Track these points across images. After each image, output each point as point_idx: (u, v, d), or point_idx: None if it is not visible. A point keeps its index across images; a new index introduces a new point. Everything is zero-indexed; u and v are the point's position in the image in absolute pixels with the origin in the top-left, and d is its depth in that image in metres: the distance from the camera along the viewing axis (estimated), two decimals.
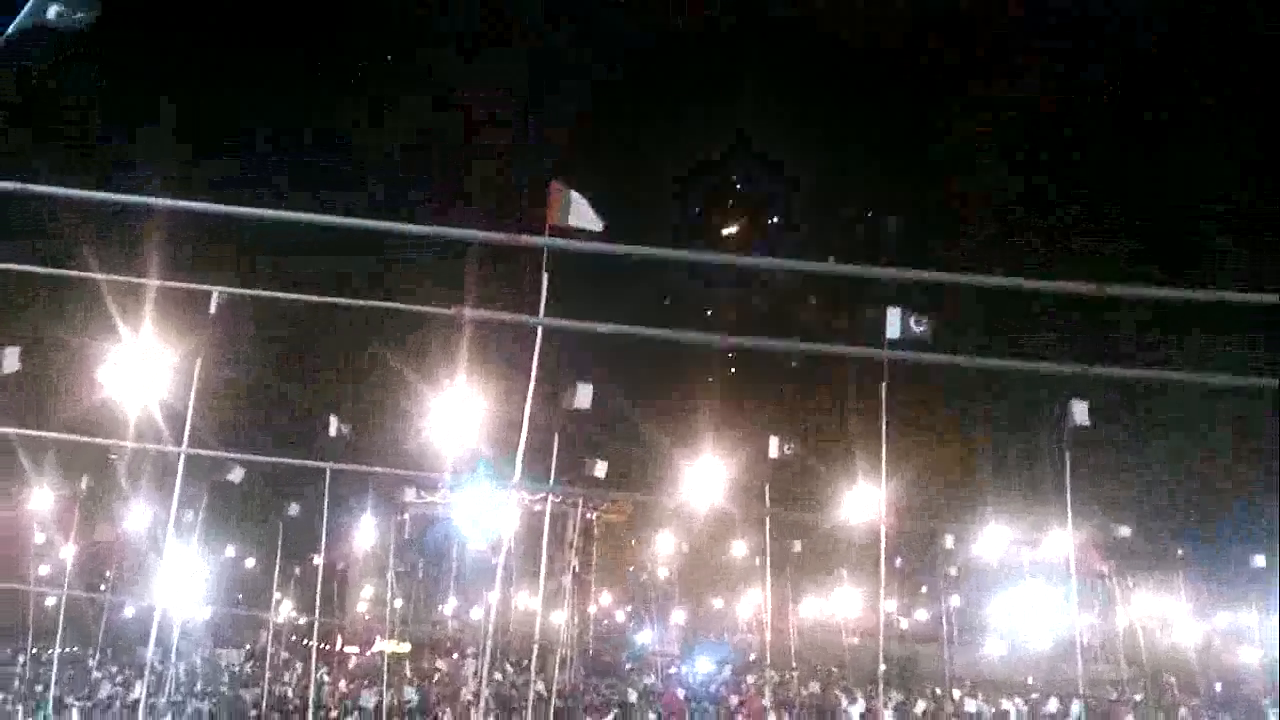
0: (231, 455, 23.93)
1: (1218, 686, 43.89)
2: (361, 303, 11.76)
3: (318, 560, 44.11)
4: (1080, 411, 26.02)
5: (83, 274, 10.88)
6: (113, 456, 36.18)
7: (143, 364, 16.20)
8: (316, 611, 47.66)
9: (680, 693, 37.98)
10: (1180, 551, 48.10)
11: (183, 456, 16.86)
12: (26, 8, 8.45)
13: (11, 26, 8.38)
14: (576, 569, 57.81)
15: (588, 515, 62.46)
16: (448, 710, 33.84)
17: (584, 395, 23.36)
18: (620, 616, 73.48)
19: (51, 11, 8.47)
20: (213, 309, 19.43)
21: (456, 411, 18.04)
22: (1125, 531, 42.48)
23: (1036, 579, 45.20)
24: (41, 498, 38.73)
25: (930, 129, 66.39)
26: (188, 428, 16.97)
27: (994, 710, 32.67)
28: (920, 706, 30.48)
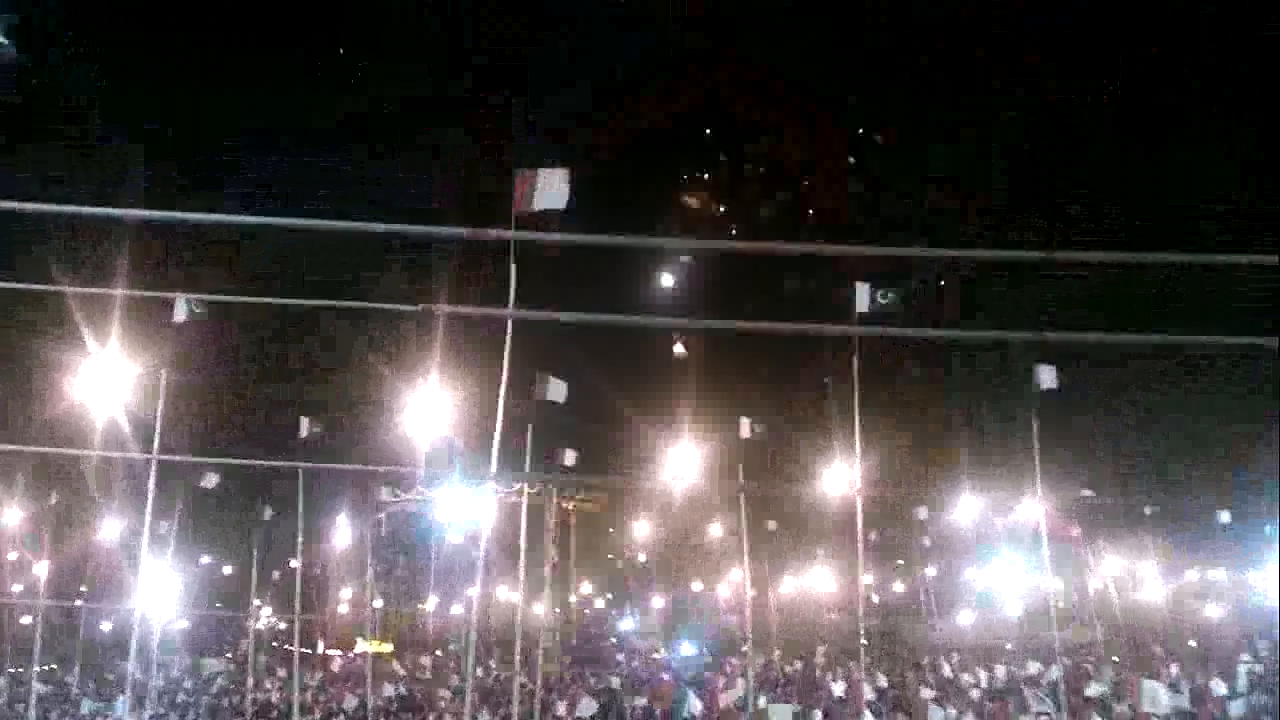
0: (202, 459, 23.85)
1: (1192, 643, 44.68)
2: (330, 303, 11.79)
3: (295, 564, 44.00)
4: (1048, 376, 26.40)
5: (46, 287, 10.82)
6: (82, 468, 35.92)
7: (109, 374, 16.12)
8: (297, 616, 47.54)
9: (667, 677, 38.21)
10: (1148, 511, 48.87)
11: (154, 463, 16.81)
12: None
13: None
14: (555, 559, 58.00)
15: (564, 505, 62.59)
16: (432, 707, 33.86)
17: (556, 389, 23.46)
18: (601, 604, 73.80)
19: None
20: (179, 316, 19.40)
21: (429, 407, 18.07)
22: (1087, 493, 43.16)
23: (1009, 546, 45.82)
24: (10, 514, 38.36)
25: (930, 129, 66.58)
26: (157, 435, 16.92)
27: (989, 675, 33.22)
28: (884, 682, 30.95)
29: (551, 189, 12.03)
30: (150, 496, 18.22)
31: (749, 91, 78.86)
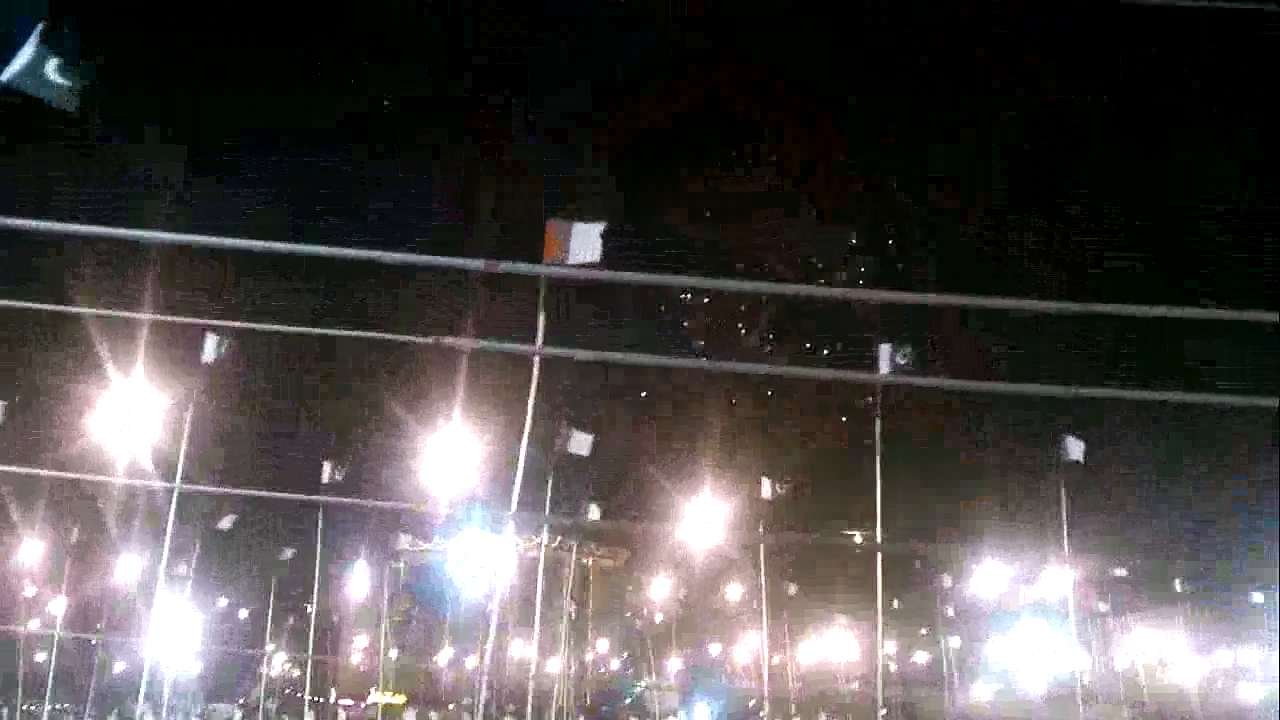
0: (225, 490, 23.80)
1: None
2: (345, 333, 11.76)
3: (311, 609, 43.69)
4: (1075, 448, 26.03)
5: (68, 309, 10.85)
6: (102, 505, 35.95)
7: (134, 404, 16.15)
8: (309, 664, 47.22)
9: None
10: (1179, 587, 47.82)
11: (176, 493, 16.75)
12: (24, 55, 8.43)
13: (7, 73, 8.36)
14: (573, 616, 57.34)
15: (584, 561, 62.06)
16: None
17: (581, 442, 23.30)
18: (616, 664, 72.77)
19: (51, 67, 8.43)
20: (208, 355, 19.44)
21: (452, 450, 17.96)
22: (1121, 572, 42.27)
23: (1035, 618, 44.89)
24: (32, 548, 38.40)
25: (929, 132, 66.19)
26: (180, 464, 16.89)
27: None
28: None
29: (587, 244, 11.99)
30: (169, 529, 18.13)
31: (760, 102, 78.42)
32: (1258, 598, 46.21)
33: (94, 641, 46.21)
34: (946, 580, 51.40)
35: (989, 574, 37.41)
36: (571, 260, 11.94)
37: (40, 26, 7.99)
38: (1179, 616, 50.50)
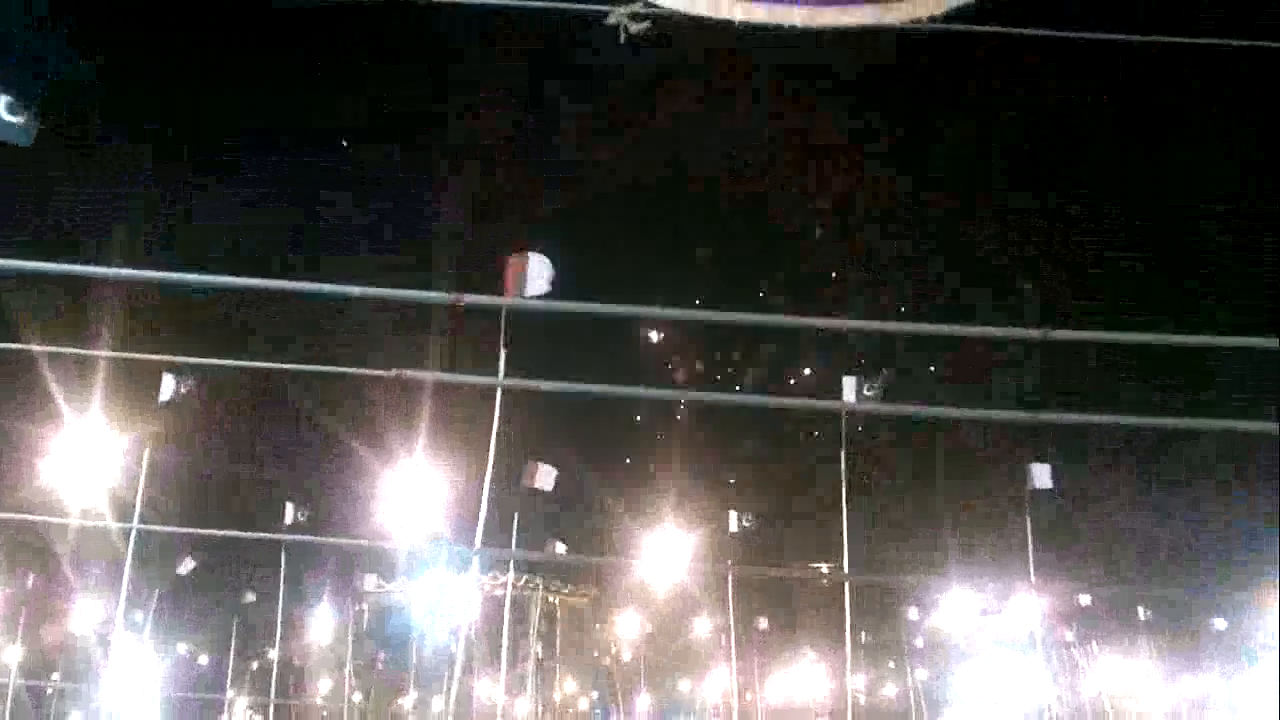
0: (184, 530, 23.43)
1: None
2: (304, 367, 11.63)
3: (273, 654, 42.98)
4: (1041, 475, 26.19)
5: (19, 346, 10.66)
6: (58, 548, 35.27)
7: (90, 444, 15.88)
8: (271, 709, 46.38)
9: None
10: (1143, 615, 48.09)
11: (133, 534, 16.45)
12: None
13: None
14: (540, 655, 56.75)
15: (550, 599, 61.54)
16: None
17: (546, 476, 23.17)
18: (584, 704, 72.03)
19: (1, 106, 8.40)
20: (165, 395, 19.18)
21: (415, 486, 17.79)
22: (1085, 600, 42.42)
23: (1002, 649, 44.97)
24: None
25: (928, 135, 66.05)
26: (139, 503, 16.60)
27: None
28: None
29: (538, 277, 12.07)
30: (126, 573, 17.79)
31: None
32: (1220, 624, 46.60)
33: (49, 690, 45.18)
34: (914, 613, 51.47)
35: (956, 605, 37.49)
36: (528, 293, 11.99)
37: None
38: (1144, 645, 50.79)
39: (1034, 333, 8.99)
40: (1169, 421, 8.80)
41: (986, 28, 7.38)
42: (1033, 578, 23.05)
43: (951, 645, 52.34)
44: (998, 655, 46.95)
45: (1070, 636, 43.99)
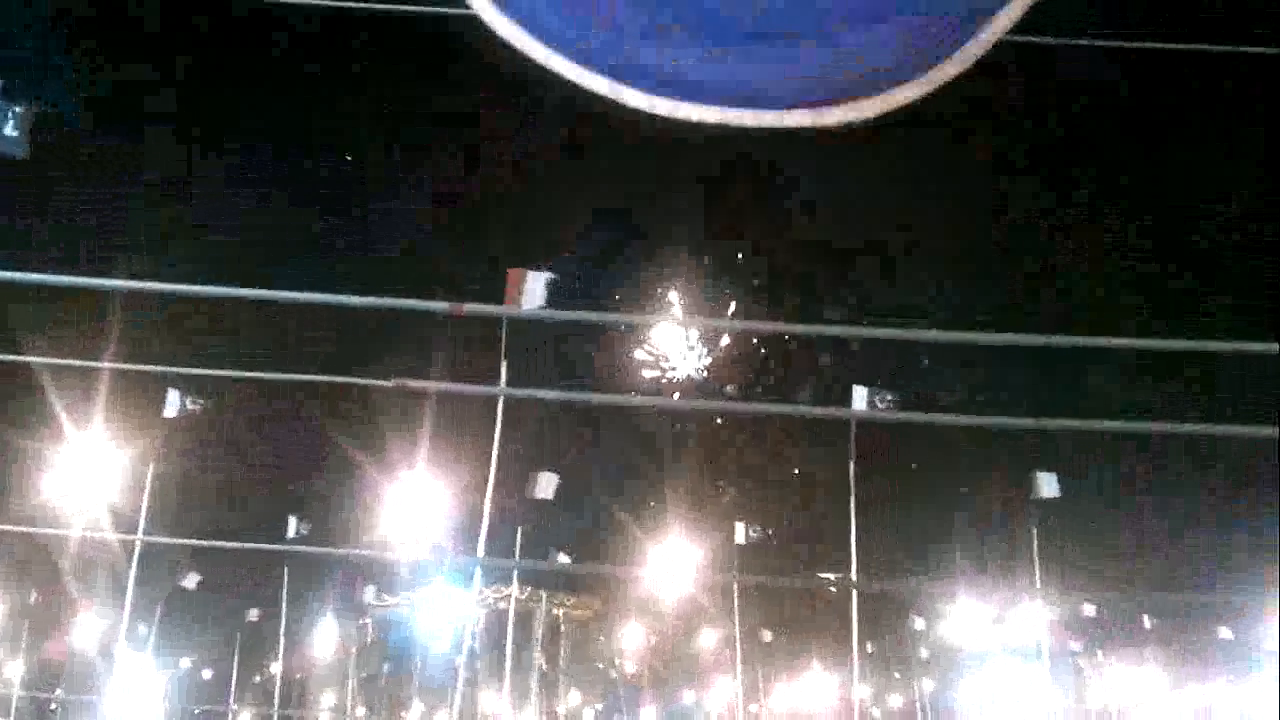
0: (187, 542, 23.42)
1: None
2: (306, 377, 11.59)
3: (276, 668, 42.88)
4: (1048, 484, 26.09)
5: (22, 358, 10.64)
6: (62, 562, 35.24)
7: (95, 457, 15.86)
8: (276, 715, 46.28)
9: None
10: (1148, 624, 47.92)
11: (138, 546, 16.42)
12: None
13: None
14: (544, 668, 56.58)
15: (554, 612, 61.35)
16: None
17: (547, 485, 23.11)
18: (589, 716, 71.81)
19: None
20: (170, 411, 19.15)
21: (418, 497, 17.74)
22: (1090, 610, 42.25)
23: (1009, 658, 44.83)
24: None
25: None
26: (143, 515, 16.57)
27: None
28: None
29: (536, 292, 12.11)
30: (130, 585, 17.75)
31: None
32: (1225, 633, 46.41)
33: (52, 706, 45.08)
34: (919, 622, 51.33)
35: (962, 614, 37.38)
36: (525, 306, 12.01)
37: None
38: (1149, 654, 50.63)
39: (1037, 339, 8.96)
40: (1183, 428, 8.73)
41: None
42: (1039, 585, 22.99)
43: (958, 655, 52.21)
44: (1004, 664, 46.82)
45: (1076, 645, 43.84)
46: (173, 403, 18.93)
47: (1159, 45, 8.96)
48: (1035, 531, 26.13)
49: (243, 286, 8.78)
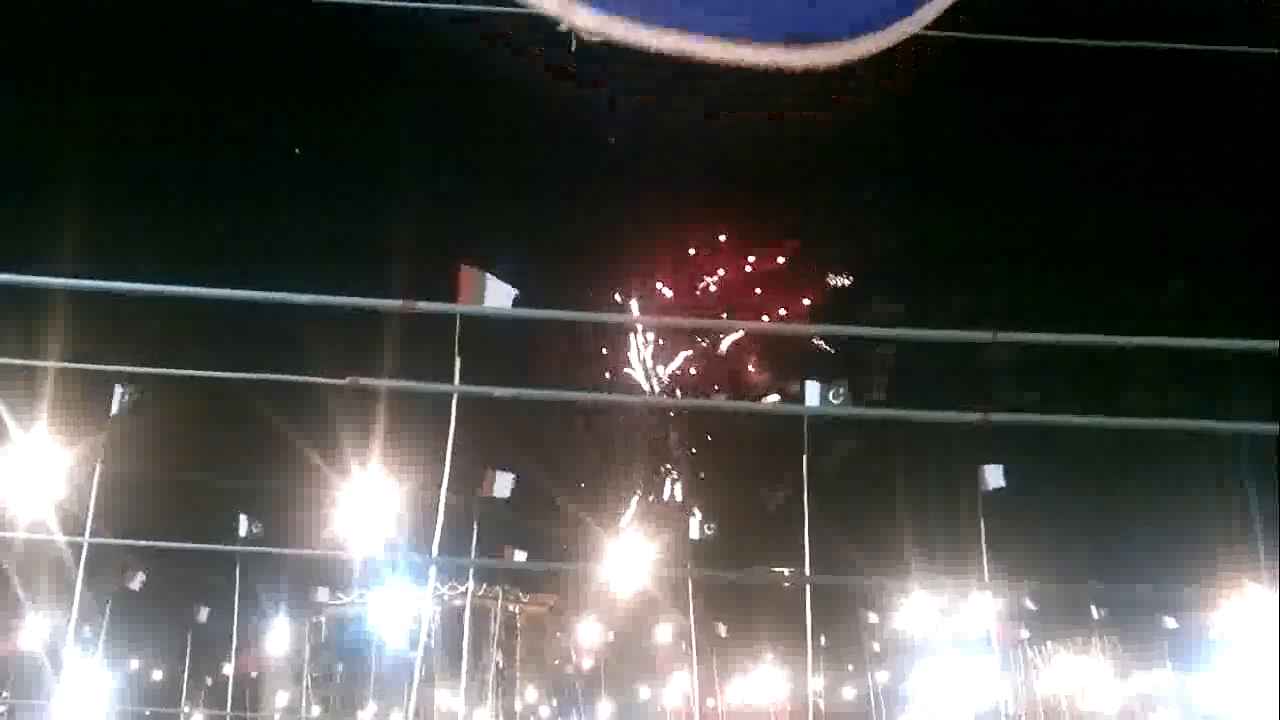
0: (136, 543, 23.09)
1: None
2: (257, 376, 11.48)
3: (228, 669, 42.37)
4: (994, 475, 26.50)
5: None
6: (5, 564, 34.61)
7: (41, 459, 15.63)
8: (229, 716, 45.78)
9: None
10: (1095, 613, 48.68)
11: (85, 548, 16.20)
12: None
13: None
14: (500, 664, 56.45)
15: (510, 608, 61.27)
16: None
17: (503, 483, 23.11)
18: (546, 712, 71.82)
19: None
20: (116, 407, 18.90)
21: (371, 496, 17.68)
22: (1034, 604, 42.92)
23: (960, 648, 45.42)
24: None
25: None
26: (90, 518, 16.35)
27: None
28: None
29: (499, 295, 12.09)
30: (78, 587, 17.50)
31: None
32: (1170, 623, 47.32)
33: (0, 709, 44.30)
34: (872, 615, 51.81)
35: (914, 607, 37.82)
36: (487, 304, 12.00)
37: None
38: (1096, 642, 51.49)
39: (984, 335, 9.14)
40: (1184, 425, 8.93)
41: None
42: (987, 577, 23.35)
43: (909, 647, 52.79)
44: (954, 655, 47.44)
45: (1025, 634, 44.48)
46: (117, 400, 18.69)
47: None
48: (983, 523, 26.51)
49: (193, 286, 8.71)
